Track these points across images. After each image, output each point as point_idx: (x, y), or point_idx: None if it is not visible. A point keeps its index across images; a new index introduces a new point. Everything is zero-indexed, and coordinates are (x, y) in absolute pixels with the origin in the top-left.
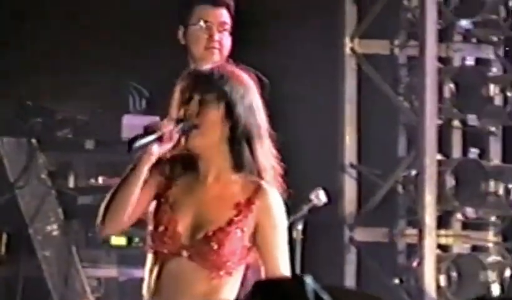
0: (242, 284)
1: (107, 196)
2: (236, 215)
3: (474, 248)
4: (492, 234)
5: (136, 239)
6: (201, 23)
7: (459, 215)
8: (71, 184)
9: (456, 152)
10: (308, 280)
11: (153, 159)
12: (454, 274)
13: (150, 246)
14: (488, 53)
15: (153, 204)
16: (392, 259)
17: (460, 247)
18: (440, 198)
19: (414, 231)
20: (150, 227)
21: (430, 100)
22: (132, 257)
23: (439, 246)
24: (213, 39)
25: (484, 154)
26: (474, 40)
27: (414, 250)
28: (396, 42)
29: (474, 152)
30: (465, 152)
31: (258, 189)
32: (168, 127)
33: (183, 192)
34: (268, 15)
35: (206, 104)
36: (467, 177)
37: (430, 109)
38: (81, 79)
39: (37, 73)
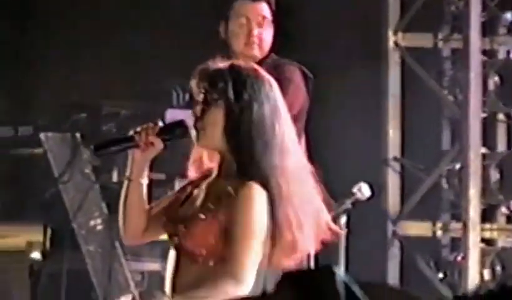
0: None
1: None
2: (213, 204)
3: None
4: None
5: None
6: (241, 18)
7: (503, 209)
8: (115, 178)
9: (501, 146)
10: (338, 271)
11: (141, 165)
12: (498, 268)
13: None
14: None
15: None
16: (435, 253)
17: (504, 241)
18: (484, 192)
19: (458, 225)
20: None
21: (475, 94)
22: None
23: (483, 240)
24: (252, 34)
25: None
26: None
27: (458, 244)
28: (440, 35)
29: None
30: (509, 145)
31: (240, 185)
32: (148, 138)
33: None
34: (311, 10)
35: (208, 103)
36: (511, 171)
37: (474, 102)
38: (125, 74)
39: (82, 69)
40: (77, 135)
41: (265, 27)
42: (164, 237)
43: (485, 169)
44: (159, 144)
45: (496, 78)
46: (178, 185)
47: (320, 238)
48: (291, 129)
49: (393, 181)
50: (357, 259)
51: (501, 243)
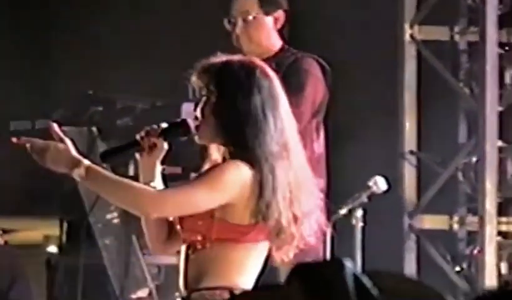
0: None
1: None
2: None
3: None
4: None
5: None
6: (230, 18)
7: None
8: (131, 172)
9: None
10: (348, 264)
11: (150, 168)
12: None
13: None
14: None
15: None
16: (452, 246)
17: None
18: (500, 185)
19: (475, 218)
20: None
21: (491, 87)
22: None
23: (500, 233)
24: (234, 31)
25: None
26: None
27: (475, 237)
28: (456, 28)
29: None
30: None
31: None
32: (150, 140)
33: None
34: (327, 3)
35: (206, 98)
36: None
37: (490, 95)
38: (141, 68)
39: (98, 63)
40: (94, 129)
41: (249, 23)
42: None
43: (501, 162)
44: (162, 145)
45: None
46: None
47: (309, 237)
48: (292, 123)
49: (409, 174)
50: (373, 253)
51: None
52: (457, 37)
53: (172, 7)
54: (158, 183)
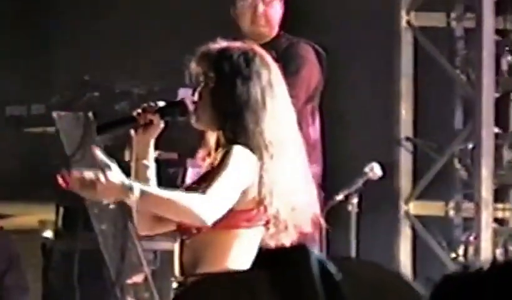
0: None
1: None
2: (204, 176)
3: None
4: None
5: None
6: None
7: None
8: (127, 157)
9: None
10: (313, 249)
11: (144, 146)
12: (511, 248)
13: None
14: None
15: None
16: (448, 233)
17: None
18: (496, 171)
19: (471, 205)
20: None
21: (487, 73)
22: None
23: (496, 220)
24: (257, 12)
25: None
26: None
27: (470, 224)
28: (453, 14)
29: None
30: None
31: (226, 151)
32: (147, 116)
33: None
34: None
35: (203, 84)
36: None
37: (487, 82)
38: (138, 54)
39: (95, 48)
40: (90, 114)
41: (271, 4)
42: None
43: (497, 149)
44: (158, 122)
45: (509, 57)
46: (189, 164)
47: (304, 226)
48: (290, 112)
49: (405, 161)
50: (368, 239)
51: None
52: (453, 24)
53: None
54: (151, 162)
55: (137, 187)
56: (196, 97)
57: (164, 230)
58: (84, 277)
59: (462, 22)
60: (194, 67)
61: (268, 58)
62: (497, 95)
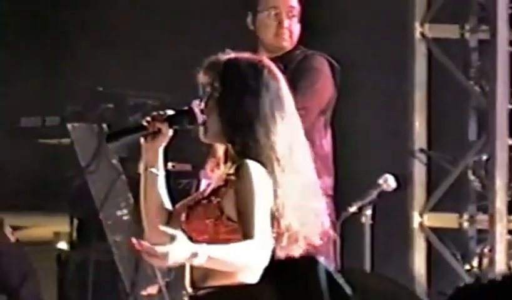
0: None
1: None
2: (216, 190)
3: None
4: None
5: None
6: (271, 10)
7: None
8: (141, 169)
9: None
10: (321, 261)
11: (153, 154)
12: None
13: None
14: None
15: None
16: (462, 245)
17: None
18: (511, 183)
19: (485, 217)
20: None
21: (502, 85)
22: None
23: (510, 232)
24: (283, 25)
25: None
26: None
27: (485, 236)
28: (467, 26)
29: None
30: None
31: (239, 165)
32: (155, 124)
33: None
34: (337, 1)
35: (210, 95)
36: None
37: (501, 93)
38: (152, 66)
39: (109, 60)
40: (104, 125)
41: (294, 18)
42: None
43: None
44: (167, 131)
45: None
46: (202, 175)
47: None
48: (297, 125)
49: (419, 172)
50: (382, 251)
51: None
52: (467, 35)
53: (183, 5)
54: (160, 170)
55: (202, 253)
56: (202, 106)
57: None
58: (98, 289)
59: (476, 34)
60: (201, 76)
61: (276, 70)
62: (511, 106)
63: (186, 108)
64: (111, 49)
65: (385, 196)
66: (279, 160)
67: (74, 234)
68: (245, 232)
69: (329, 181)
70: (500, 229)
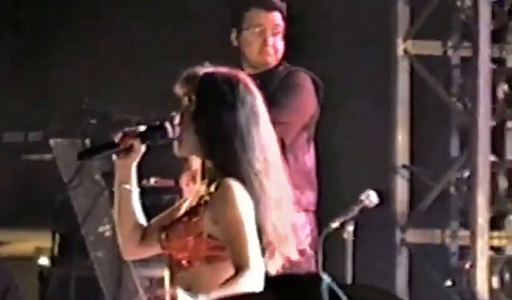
0: None
1: None
2: (195, 208)
3: None
4: None
5: None
6: (256, 28)
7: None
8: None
9: (509, 154)
10: (324, 276)
11: (126, 170)
12: (507, 276)
13: None
14: None
15: None
16: (444, 260)
17: None
18: (493, 199)
19: (467, 233)
20: None
21: (484, 101)
22: None
23: (492, 248)
24: (267, 43)
25: None
26: None
27: (467, 252)
28: (449, 43)
29: None
30: None
31: (219, 183)
32: (127, 141)
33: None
34: (320, 18)
35: (185, 109)
36: None
37: (483, 110)
38: (136, 82)
39: (92, 76)
40: (87, 141)
41: (278, 35)
42: None
43: (494, 177)
44: (138, 147)
45: (505, 86)
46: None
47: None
48: (273, 140)
49: (401, 188)
50: (364, 267)
51: (509, 251)
52: (450, 52)
53: (167, 19)
54: (133, 186)
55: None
56: (177, 120)
57: (148, 255)
58: None
59: (458, 51)
60: (178, 88)
61: (252, 86)
62: (493, 123)
63: (158, 123)
64: (95, 65)
65: (367, 212)
66: (256, 176)
67: (56, 250)
68: (240, 263)
69: (312, 196)
70: (481, 245)
